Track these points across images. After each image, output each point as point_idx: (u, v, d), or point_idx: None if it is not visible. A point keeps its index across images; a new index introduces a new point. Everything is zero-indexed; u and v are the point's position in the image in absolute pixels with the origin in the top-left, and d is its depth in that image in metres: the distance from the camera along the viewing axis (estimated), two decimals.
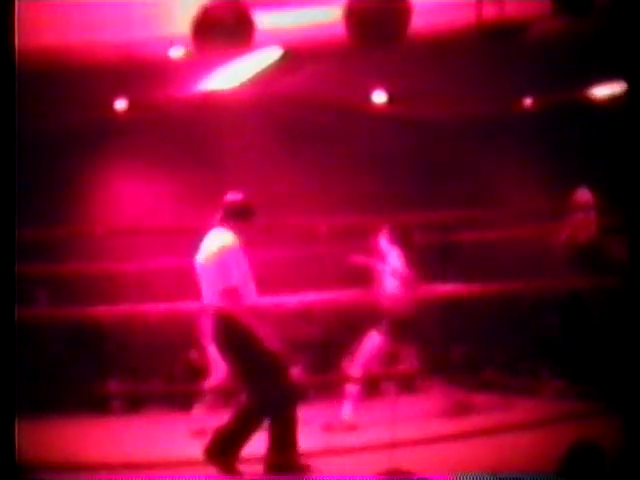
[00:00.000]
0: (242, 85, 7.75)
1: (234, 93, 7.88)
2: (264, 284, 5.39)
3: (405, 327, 6.81)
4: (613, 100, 7.95)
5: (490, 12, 5.86)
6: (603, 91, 8.37)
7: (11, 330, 4.11)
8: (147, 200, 9.01)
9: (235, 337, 5.31)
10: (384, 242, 6.94)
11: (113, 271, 7.78)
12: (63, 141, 8.42)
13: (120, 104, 8.39)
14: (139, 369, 8.45)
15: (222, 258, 5.31)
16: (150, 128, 8.62)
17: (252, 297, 5.38)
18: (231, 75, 7.65)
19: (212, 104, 8.16)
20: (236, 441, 5.32)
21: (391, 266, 6.84)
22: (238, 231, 5.43)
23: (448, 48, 6.73)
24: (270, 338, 5.33)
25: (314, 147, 9.06)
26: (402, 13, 5.56)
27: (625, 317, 4.92)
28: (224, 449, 5.30)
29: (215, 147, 8.91)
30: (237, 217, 5.48)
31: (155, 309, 7.20)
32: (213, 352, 6.36)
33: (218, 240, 5.42)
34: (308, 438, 5.57)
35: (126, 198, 9.06)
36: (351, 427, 6.75)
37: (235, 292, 5.25)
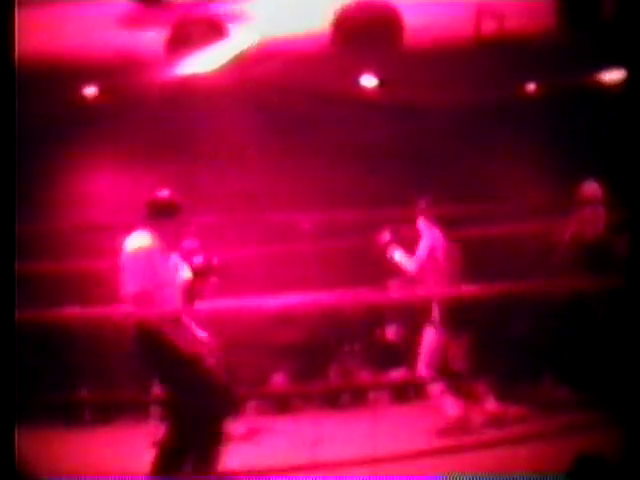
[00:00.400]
0: (220, 69, 7.38)
1: (211, 77, 7.49)
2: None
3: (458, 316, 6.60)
4: (624, 86, 7.58)
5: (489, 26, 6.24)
6: (614, 75, 7.89)
7: None
8: (119, 194, 8.51)
9: (148, 346, 5.10)
10: (422, 222, 6.77)
11: (82, 270, 7.32)
12: (32, 135, 7.98)
13: (89, 91, 7.90)
14: (112, 376, 8.04)
15: (133, 260, 5.13)
16: (122, 116, 8.21)
17: (172, 303, 5.22)
18: (208, 59, 7.33)
19: (188, 89, 7.76)
20: (176, 457, 5.12)
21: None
22: (161, 231, 5.23)
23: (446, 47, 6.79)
24: (196, 346, 5.13)
25: (298, 135, 8.70)
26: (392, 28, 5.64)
27: (633, 319, 4.97)
28: (167, 466, 5.10)
29: (192, 136, 8.54)
30: (160, 216, 5.26)
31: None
32: None
33: (133, 241, 5.23)
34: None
35: (96, 191, 8.62)
36: None
37: (143, 297, 5.04)
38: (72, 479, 5.78)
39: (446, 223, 6.82)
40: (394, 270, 6.77)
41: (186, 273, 5.98)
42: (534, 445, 5.70)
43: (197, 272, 6.06)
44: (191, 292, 6.04)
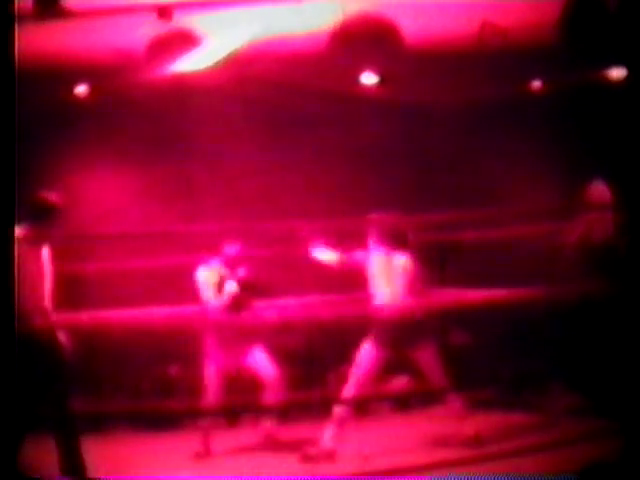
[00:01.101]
0: (215, 66, 7.25)
1: (207, 75, 7.36)
2: None
3: (402, 333, 6.14)
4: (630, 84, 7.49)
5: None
6: (621, 73, 7.79)
7: None
8: (111, 196, 8.50)
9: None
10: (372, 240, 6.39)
11: (74, 273, 7.18)
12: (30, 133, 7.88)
13: (80, 88, 7.76)
14: (104, 385, 7.99)
15: None
16: (114, 115, 8.14)
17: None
18: (204, 55, 7.19)
19: (183, 87, 7.65)
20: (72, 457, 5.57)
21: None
22: (37, 235, 5.24)
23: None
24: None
25: (296, 135, 8.58)
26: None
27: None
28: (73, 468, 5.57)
29: (187, 136, 8.43)
30: (36, 219, 5.27)
31: (121, 316, 6.66)
32: (209, 368, 6.42)
33: None
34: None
35: (88, 194, 8.45)
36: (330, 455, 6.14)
37: None
38: None
39: (447, 226, 6.69)
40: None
41: (231, 286, 6.10)
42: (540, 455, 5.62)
43: (244, 285, 6.22)
44: (237, 303, 6.25)
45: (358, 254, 6.28)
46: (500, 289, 5.97)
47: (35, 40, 6.23)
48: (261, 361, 6.55)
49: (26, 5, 5.65)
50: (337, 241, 6.27)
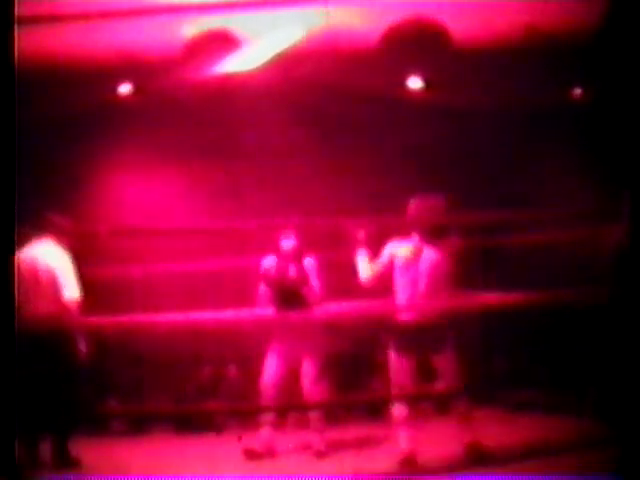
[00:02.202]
0: (263, 67, 7.30)
1: (254, 76, 7.40)
2: None
3: (422, 338, 5.92)
4: None
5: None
6: None
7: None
8: (156, 197, 8.62)
9: None
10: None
11: (115, 275, 7.24)
12: (59, 131, 7.94)
13: (124, 88, 7.82)
14: (142, 387, 8.08)
15: None
16: (159, 115, 8.23)
17: None
18: (251, 56, 7.27)
19: (230, 88, 7.68)
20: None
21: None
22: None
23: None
24: None
25: (343, 139, 8.63)
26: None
27: None
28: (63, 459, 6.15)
29: (233, 137, 8.51)
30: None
31: (163, 320, 6.72)
32: (269, 367, 6.45)
33: None
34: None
35: (133, 194, 8.65)
36: None
37: None
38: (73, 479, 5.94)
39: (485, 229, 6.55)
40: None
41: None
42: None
43: (294, 282, 6.31)
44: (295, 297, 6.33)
45: (385, 257, 6.02)
46: (531, 293, 5.79)
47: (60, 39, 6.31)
48: (308, 376, 6.49)
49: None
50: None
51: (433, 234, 5.97)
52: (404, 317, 5.94)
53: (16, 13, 4.78)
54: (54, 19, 5.66)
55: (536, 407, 7.44)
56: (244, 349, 7.70)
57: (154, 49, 7.15)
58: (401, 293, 5.98)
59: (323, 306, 6.42)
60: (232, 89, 7.74)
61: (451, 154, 8.58)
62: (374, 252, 6.04)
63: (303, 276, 6.45)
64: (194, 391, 8.16)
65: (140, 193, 8.60)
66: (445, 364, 5.94)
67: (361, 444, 6.79)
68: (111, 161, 8.55)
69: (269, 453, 6.47)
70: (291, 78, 7.59)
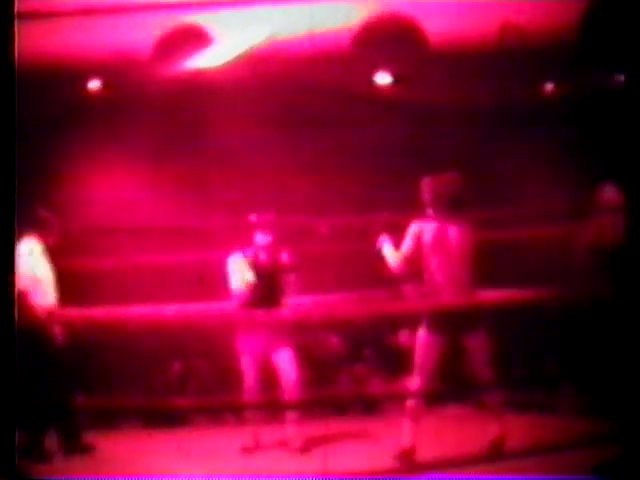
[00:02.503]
0: (230, 63, 7.34)
1: (222, 72, 7.44)
2: None
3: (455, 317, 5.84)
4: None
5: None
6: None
7: None
8: (126, 193, 8.59)
9: None
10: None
11: (84, 267, 7.28)
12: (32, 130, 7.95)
13: (94, 84, 7.84)
14: (110, 381, 8.08)
15: None
16: (128, 112, 8.24)
17: None
18: (218, 53, 7.30)
19: (200, 84, 7.72)
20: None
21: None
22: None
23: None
24: None
25: (310, 135, 8.63)
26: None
27: None
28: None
29: (201, 133, 8.55)
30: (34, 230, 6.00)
31: (132, 313, 6.75)
32: (243, 361, 6.52)
33: None
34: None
35: (102, 191, 8.64)
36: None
37: None
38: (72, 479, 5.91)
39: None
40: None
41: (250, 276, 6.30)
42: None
43: (280, 269, 6.35)
44: (272, 290, 6.36)
45: (412, 240, 5.89)
46: (511, 290, 5.90)
47: (37, 39, 6.32)
48: (284, 361, 6.53)
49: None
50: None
51: (456, 208, 5.90)
52: (439, 296, 5.87)
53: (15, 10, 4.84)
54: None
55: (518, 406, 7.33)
56: (213, 343, 7.77)
57: (124, 46, 7.16)
58: (436, 274, 5.88)
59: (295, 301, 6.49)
60: (202, 85, 7.76)
61: (422, 152, 8.64)
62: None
63: (283, 266, 6.49)
64: (163, 386, 8.19)
65: (110, 189, 8.59)
66: (477, 344, 5.88)
67: (343, 438, 6.81)
68: (81, 157, 8.51)
69: (257, 448, 6.52)
70: (261, 74, 7.63)
